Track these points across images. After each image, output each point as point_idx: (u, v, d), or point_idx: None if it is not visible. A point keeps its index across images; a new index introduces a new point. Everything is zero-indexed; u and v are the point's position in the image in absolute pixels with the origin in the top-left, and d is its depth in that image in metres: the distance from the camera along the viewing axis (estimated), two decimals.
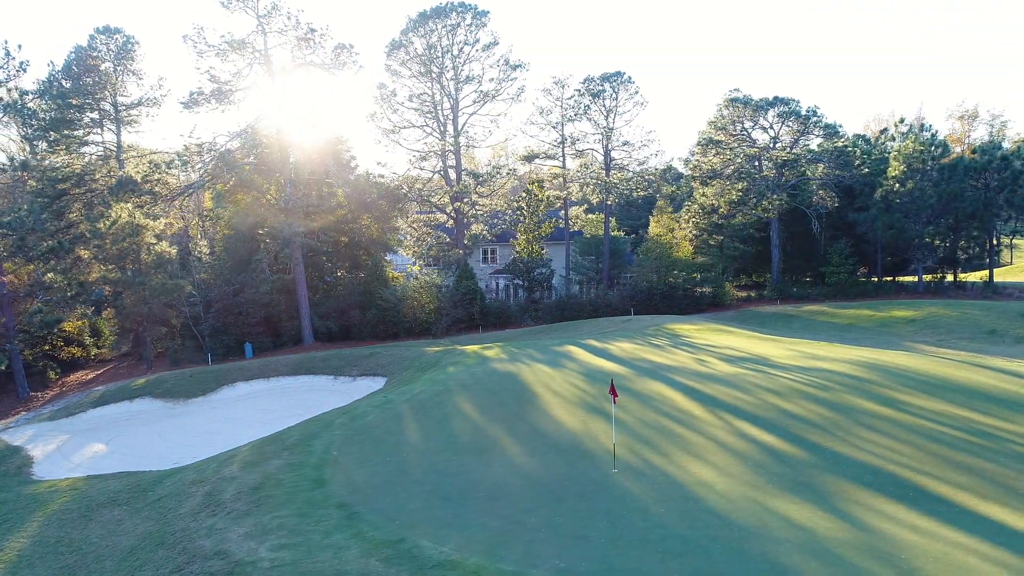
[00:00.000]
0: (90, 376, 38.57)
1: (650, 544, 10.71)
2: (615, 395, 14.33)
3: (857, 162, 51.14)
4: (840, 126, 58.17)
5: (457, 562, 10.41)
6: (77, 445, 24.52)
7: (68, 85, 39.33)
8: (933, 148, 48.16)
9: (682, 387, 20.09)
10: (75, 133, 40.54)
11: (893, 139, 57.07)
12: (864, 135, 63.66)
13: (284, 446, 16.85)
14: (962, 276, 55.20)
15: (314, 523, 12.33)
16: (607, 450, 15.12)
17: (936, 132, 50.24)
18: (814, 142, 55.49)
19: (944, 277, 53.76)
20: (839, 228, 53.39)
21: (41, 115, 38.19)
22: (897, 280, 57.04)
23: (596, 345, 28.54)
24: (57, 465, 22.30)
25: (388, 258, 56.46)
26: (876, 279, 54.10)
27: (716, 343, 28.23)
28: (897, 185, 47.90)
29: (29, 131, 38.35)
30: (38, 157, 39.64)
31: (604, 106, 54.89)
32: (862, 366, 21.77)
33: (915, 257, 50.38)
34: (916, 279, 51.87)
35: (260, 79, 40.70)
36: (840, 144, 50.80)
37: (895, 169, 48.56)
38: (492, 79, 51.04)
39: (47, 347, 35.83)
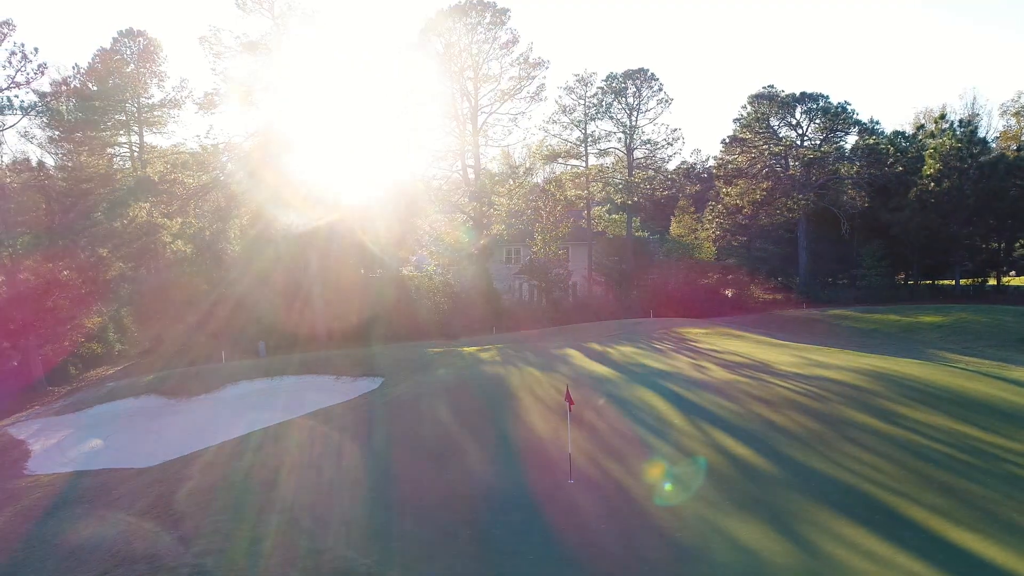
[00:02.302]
0: (110, 372, 39.41)
1: (577, 563, 10.14)
2: (571, 402, 13.72)
3: (891, 160, 48.92)
4: (877, 122, 56.11)
5: None
6: (76, 440, 24.92)
7: (92, 88, 40.35)
8: (972, 145, 45.76)
9: (669, 394, 19.28)
10: (100, 135, 41.55)
11: (933, 136, 54.51)
12: (903, 131, 61.05)
13: (250, 447, 16.73)
14: (1006, 279, 52.49)
15: (250, 528, 12.07)
16: (573, 459, 14.50)
17: (976, 128, 47.77)
18: (850, 139, 53.55)
19: (985, 281, 51.14)
20: (873, 229, 51.25)
21: (67, 116, 39.25)
22: (936, 284, 54.56)
23: (597, 348, 27.82)
24: (52, 460, 22.65)
25: (413, 259, 56.53)
26: (911, 282, 51.77)
27: (721, 348, 27.20)
28: (932, 184, 45.68)
29: (54, 132, 39.47)
30: (62, 157, 40.80)
31: (627, 104, 53.87)
32: (866, 375, 20.59)
33: (953, 260, 48.04)
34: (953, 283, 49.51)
35: (276, 79, 41.05)
36: (872, 141, 48.66)
37: (931, 167, 46.34)
38: (512, 77, 50.54)
39: (66, 343, 36.80)
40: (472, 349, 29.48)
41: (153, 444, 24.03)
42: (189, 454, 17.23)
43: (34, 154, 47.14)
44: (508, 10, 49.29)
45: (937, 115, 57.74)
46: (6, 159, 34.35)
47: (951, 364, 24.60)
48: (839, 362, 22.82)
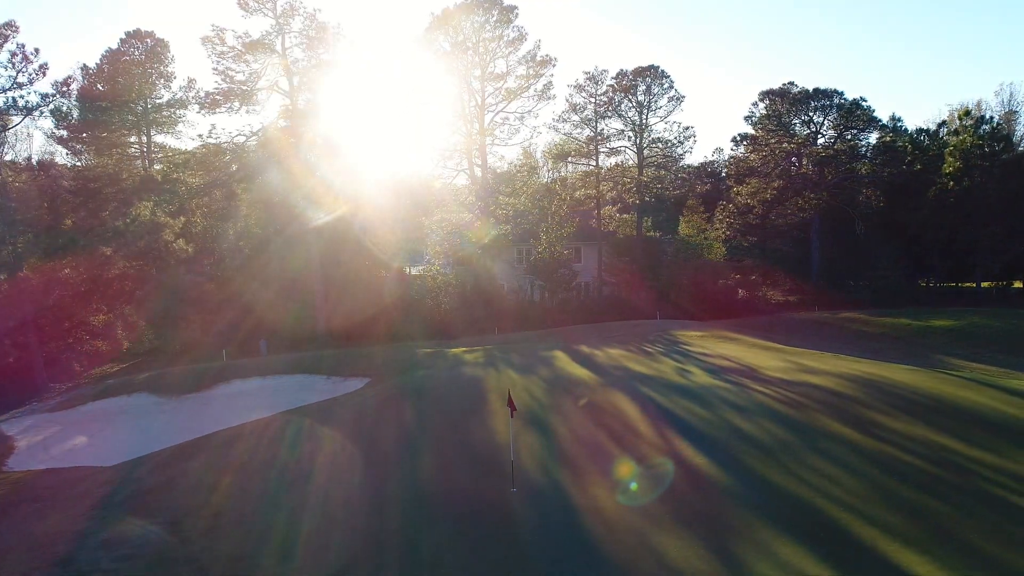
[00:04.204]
0: (115, 369, 39.89)
1: None
2: (513, 408, 13.21)
3: (908, 158, 47.25)
4: (899, 119, 54.47)
5: None
6: (62, 437, 25.12)
7: (100, 88, 40.89)
8: (995, 142, 43.97)
9: (643, 399, 18.66)
10: (108, 135, 42.07)
11: (957, 133, 52.57)
12: (927, 129, 59.07)
13: (204, 447, 16.58)
14: None
15: (177, 532, 11.87)
16: (522, 467, 14.03)
17: (999, 124, 45.87)
18: (872, 137, 51.98)
19: (1010, 284, 49.18)
20: (891, 229, 49.60)
21: (76, 117, 39.86)
22: (960, 286, 52.70)
23: (584, 351, 27.22)
24: (33, 457, 22.82)
25: (426, 258, 56.35)
26: (928, 284, 50.03)
27: (712, 351, 26.40)
28: (952, 183, 43.99)
29: (63, 132, 40.08)
30: (74, 156, 41.43)
31: (637, 102, 53.02)
32: (853, 381, 19.72)
33: (975, 261, 46.26)
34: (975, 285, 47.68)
35: (279, 79, 41.21)
36: (889, 139, 47.06)
37: (950, 166, 44.67)
38: (519, 76, 50.04)
39: (70, 340, 37.35)
40: (459, 350, 29.14)
41: (139, 441, 24.03)
42: (147, 455, 17.13)
43: (61, 155, 48.06)
44: (516, 7, 48.80)
45: (961, 111, 55.76)
46: (34, 159, 34.88)
47: (952, 371, 23.51)
48: (828, 367, 21.95)
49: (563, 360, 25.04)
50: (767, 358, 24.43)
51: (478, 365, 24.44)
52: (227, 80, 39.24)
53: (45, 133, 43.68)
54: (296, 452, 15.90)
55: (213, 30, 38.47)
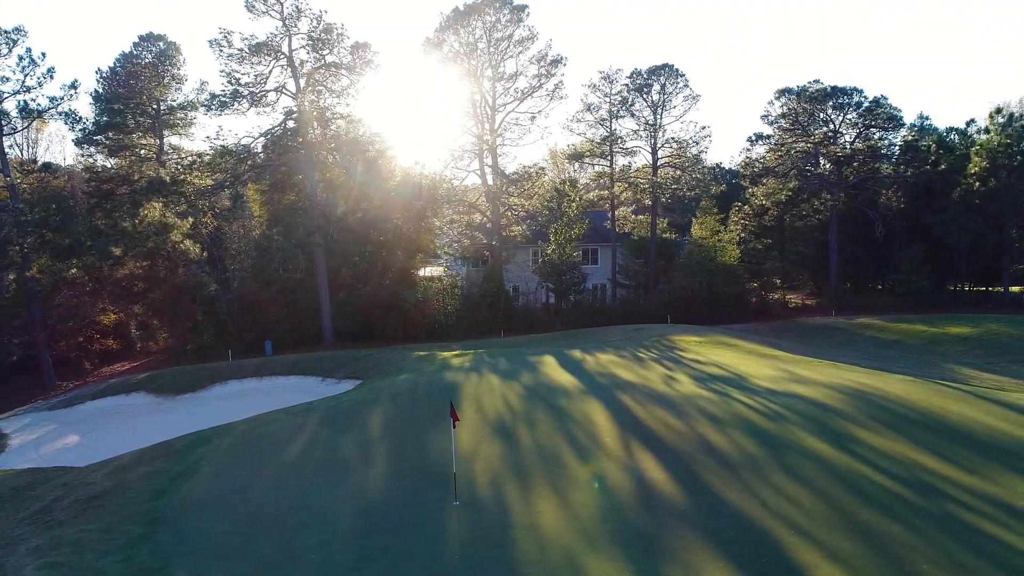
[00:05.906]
0: (124, 368, 40.61)
1: None
2: (456, 419, 12.81)
3: (932, 158, 45.51)
4: (927, 118, 52.73)
5: None
6: (55, 436, 25.51)
7: (115, 91, 41.60)
8: (1023, 142, 42.09)
9: (618, 409, 18.12)
10: (121, 137, 42.80)
11: (987, 131, 50.52)
12: (957, 127, 56.89)
13: (165, 452, 16.50)
14: None
15: (107, 540, 11.73)
16: (474, 479, 13.65)
17: None
18: (897, 136, 50.27)
19: None
20: (915, 231, 47.90)
21: (88, 120, 40.62)
22: (990, 290, 50.63)
23: (576, 355, 26.67)
24: (22, 456, 23.20)
25: (441, 260, 56.21)
26: (954, 288, 48.14)
27: (706, 359, 25.62)
28: (977, 183, 42.22)
29: (78, 134, 40.92)
30: (104, 157, 42.35)
31: (652, 101, 52.16)
32: (844, 392, 18.87)
33: (1002, 265, 44.37)
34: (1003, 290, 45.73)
35: (286, 81, 41.46)
36: (910, 138, 45.40)
37: (976, 165, 42.87)
38: (530, 75, 49.73)
39: (81, 338, 38.07)
40: (448, 353, 28.82)
41: (128, 441, 24.28)
42: (110, 457, 17.14)
43: (96, 158, 48.96)
44: (526, 7, 48.45)
45: (994, 109, 53.57)
46: (70, 163, 35.55)
47: (954, 382, 22.39)
48: (821, 377, 21.06)
49: (550, 365, 24.55)
50: (760, 366, 23.60)
51: (461, 370, 24.08)
52: (234, 82, 39.57)
53: (73, 140, 44.67)
54: (250, 460, 15.72)
55: (220, 32, 38.88)
